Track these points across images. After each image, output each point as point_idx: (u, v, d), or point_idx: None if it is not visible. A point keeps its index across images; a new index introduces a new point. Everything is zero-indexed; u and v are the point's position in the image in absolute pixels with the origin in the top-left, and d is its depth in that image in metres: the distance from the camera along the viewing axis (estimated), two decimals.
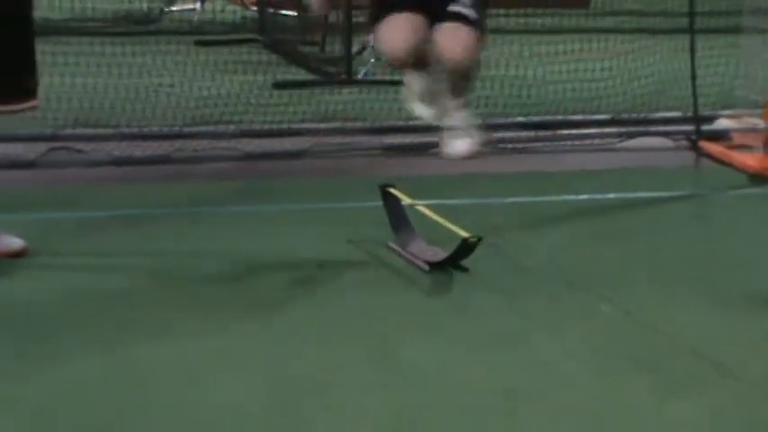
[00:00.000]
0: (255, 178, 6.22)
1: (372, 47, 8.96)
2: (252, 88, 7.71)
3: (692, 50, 6.93)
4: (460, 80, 4.68)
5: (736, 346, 4.07)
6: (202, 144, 6.61)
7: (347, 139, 6.81)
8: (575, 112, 7.24)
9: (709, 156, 6.74)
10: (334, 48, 9.16)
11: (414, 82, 4.73)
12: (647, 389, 3.71)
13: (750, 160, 6.45)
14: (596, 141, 6.85)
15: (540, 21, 8.87)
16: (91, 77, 7.34)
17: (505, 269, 4.81)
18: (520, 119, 7.07)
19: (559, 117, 7.18)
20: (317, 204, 5.67)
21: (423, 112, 4.72)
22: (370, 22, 4.75)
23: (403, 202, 5.02)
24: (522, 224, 4.92)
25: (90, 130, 6.65)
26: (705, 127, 7.05)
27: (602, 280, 4.72)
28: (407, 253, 4.88)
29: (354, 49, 8.75)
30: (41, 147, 6.35)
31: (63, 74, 7.06)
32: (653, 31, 9.12)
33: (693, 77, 6.93)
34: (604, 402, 3.64)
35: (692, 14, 7.07)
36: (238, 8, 10.92)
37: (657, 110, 7.40)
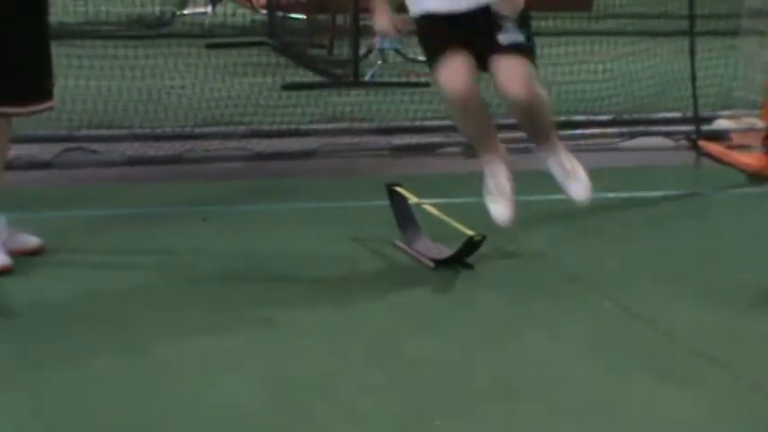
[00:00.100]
0: (265, 178, 6.23)
1: (379, 50, 8.99)
2: (261, 90, 7.71)
3: (692, 52, 6.93)
4: (534, 116, 4.69)
5: (737, 345, 4.05)
6: (213, 144, 6.62)
7: (355, 140, 6.82)
8: (577, 113, 7.24)
9: (709, 155, 6.74)
10: (342, 50, 9.17)
11: (489, 173, 4.77)
12: (647, 387, 3.70)
13: (749, 160, 6.44)
14: (598, 141, 6.86)
15: (542, 23, 8.85)
16: (105, 80, 7.35)
17: (509, 267, 4.81)
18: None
19: (562, 117, 7.16)
20: (325, 203, 5.68)
21: (498, 213, 4.73)
22: (427, 65, 4.78)
23: (409, 201, 5.02)
24: (525, 222, 4.92)
25: (104, 131, 6.68)
26: (705, 127, 7.05)
27: (604, 278, 4.72)
28: (413, 251, 4.88)
29: (361, 51, 8.76)
30: (57, 147, 6.37)
31: (78, 76, 7.08)
32: (654, 34, 9.11)
33: (693, 79, 6.93)
34: (605, 400, 3.64)
35: (691, 17, 7.07)
36: (248, 12, 10.93)
37: (658, 110, 7.40)
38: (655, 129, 7.18)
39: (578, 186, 4.76)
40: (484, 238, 4.67)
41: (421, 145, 6.80)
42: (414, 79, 8.33)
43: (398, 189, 5.05)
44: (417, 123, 7.13)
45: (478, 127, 4.76)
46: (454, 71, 4.62)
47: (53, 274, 4.63)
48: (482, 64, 4.63)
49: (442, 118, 7.01)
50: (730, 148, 6.77)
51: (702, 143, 6.86)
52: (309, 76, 8.73)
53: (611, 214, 5.55)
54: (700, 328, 4.19)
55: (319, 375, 3.76)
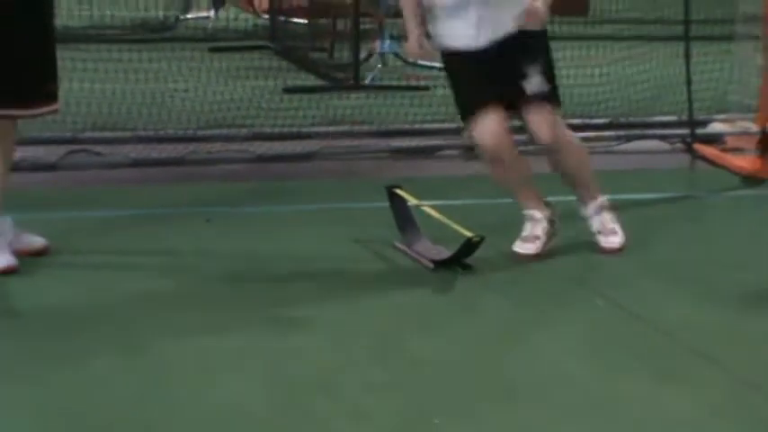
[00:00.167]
0: (266, 180, 6.23)
1: (379, 54, 8.99)
2: (263, 93, 7.71)
3: (688, 57, 6.92)
4: (566, 162, 4.88)
5: (736, 345, 4.03)
6: (216, 146, 6.62)
7: (355, 142, 6.82)
8: (574, 116, 7.21)
9: (704, 158, 6.73)
10: (343, 54, 9.17)
11: (527, 221, 4.88)
12: (647, 387, 3.67)
13: (743, 163, 6.44)
14: (595, 144, 6.84)
15: None
16: (109, 83, 7.36)
17: (507, 267, 4.80)
18: (521, 123, 7.06)
19: None
20: (326, 205, 5.67)
21: (521, 249, 4.87)
22: (462, 119, 4.91)
23: (409, 203, 5.02)
24: (522, 224, 4.91)
25: (108, 134, 6.67)
26: (700, 130, 7.04)
27: (601, 279, 4.72)
28: (413, 252, 4.88)
29: (362, 55, 8.75)
30: (62, 149, 6.37)
31: (82, 79, 7.08)
32: (649, 39, 9.12)
33: (688, 83, 6.92)
34: (605, 400, 3.61)
35: (687, 22, 7.06)
36: (251, 16, 10.93)
37: (654, 114, 7.40)
38: (650, 132, 7.18)
39: (613, 239, 4.95)
40: (482, 239, 4.66)
41: (420, 148, 6.80)
42: (413, 83, 8.33)
43: (398, 191, 5.04)
44: (417, 126, 7.12)
45: (517, 179, 4.87)
46: (488, 127, 4.76)
47: (58, 275, 4.62)
48: (511, 105, 4.82)
49: (442, 121, 7.02)
50: (725, 151, 6.76)
51: (697, 146, 6.86)
52: (310, 80, 8.74)
53: None
54: (699, 328, 4.17)
55: (321, 374, 3.75)
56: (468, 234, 4.67)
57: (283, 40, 10.04)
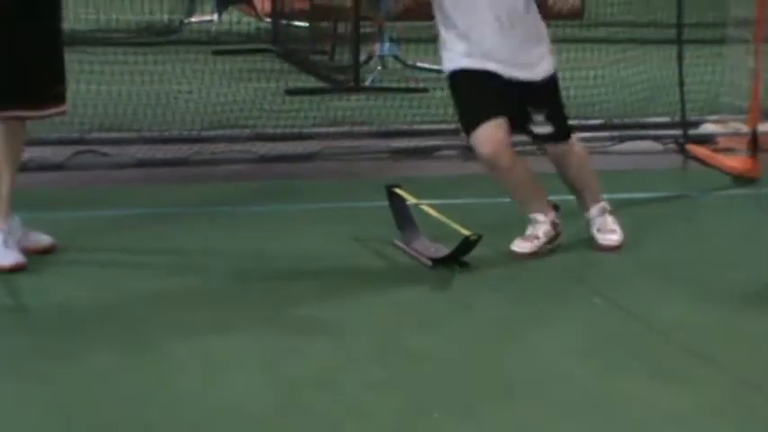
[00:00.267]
0: (269, 179, 6.22)
1: (379, 57, 8.98)
2: (265, 95, 7.70)
3: (680, 59, 6.91)
4: (570, 169, 4.91)
5: (732, 344, 4.01)
6: (219, 147, 6.61)
7: (355, 143, 6.81)
8: (569, 117, 7.22)
9: (696, 159, 6.72)
10: (343, 57, 9.16)
11: (531, 224, 4.87)
12: (644, 386, 3.65)
13: (734, 163, 6.43)
14: (590, 145, 6.81)
15: None
16: (115, 85, 7.35)
17: (504, 265, 4.79)
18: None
19: None
20: (327, 204, 5.67)
21: (518, 247, 4.86)
22: (464, 130, 4.88)
23: (408, 202, 5.01)
24: (519, 223, 4.91)
25: (114, 134, 6.67)
26: (692, 131, 7.04)
27: (597, 277, 4.71)
28: (412, 250, 4.87)
29: (362, 58, 8.75)
30: (69, 150, 6.36)
31: (89, 81, 7.07)
32: (643, 42, 9.10)
33: (681, 85, 6.92)
34: (602, 399, 3.59)
35: (679, 26, 7.05)
36: (253, 20, 10.93)
37: (647, 115, 7.39)
38: (644, 133, 7.17)
39: (611, 237, 4.93)
40: (480, 237, 4.66)
41: (419, 148, 6.79)
42: (412, 85, 8.32)
43: (398, 190, 5.03)
44: (416, 127, 7.11)
45: (519, 183, 4.85)
46: (488, 133, 4.72)
47: (64, 272, 4.61)
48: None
49: (440, 122, 7.01)
50: (716, 151, 6.75)
51: (690, 147, 6.85)
52: (312, 82, 8.72)
53: None
54: (695, 327, 4.15)
55: (322, 371, 3.74)
56: (466, 232, 4.66)
57: (285, 43, 10.03)
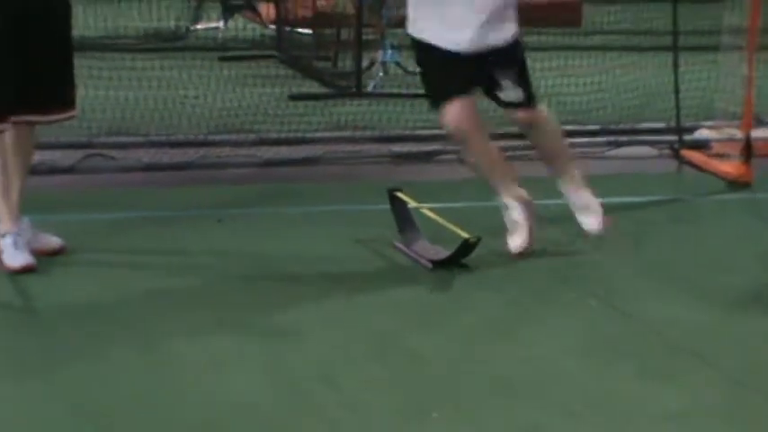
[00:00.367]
0: (273, 183, 6.22)
1: (381, 63, 8.98)
2: (270, 100, 7.71)
3: (676, 66, 6.92)
4: (541, 136, 4.88)
5: (725, 344, 4.02)
6: (225, 151, 6.61)
7: (357, 148, 6.81)
8: (567, 123, 7.18)
9: (691, 164, 6.73)
10: (346, 63, 9.16)
11: (507, 211, 4.84)
12: (639, 385, 3.66)
13: (728, 168, 6.43)
14: (587, 150, 6.84)
15: (535, 38, 8.86)
16: (123, 90, 7.35)
17: (503, 267, 4.80)
18: (516, 129, 7.06)
19: None
20: (330, 207, 5.67)
21: (513, 245, 4.84)
22: (432, 106, 4.90)
23: (409, 205, 5.02)
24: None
25: (122, 138, 6.67)
26: (687, 137, 7.03)
27: (593, 278, 4.71)
28: (412, 252, 4.88)
29: (364, 64, 8.75)
30: (78, 153, 6.36)
31: (98, 86, 7.07)
32: (639, 49, 9.12)
33: (676, 91, 6.92)
34: (599, 398, 3.60)
35: (675, 33, 7.06)
36: (258, 27, 10.93)
37: (643, 121, 7.39)
38: (640, 138, 7.17)
39: (592, 219, 4.87)
40: (479, 240, 4.66)
41: (420, 153, 6.79)
42: (413, 91, 8.32)
43: (399, 194, 5.04)
44: (417, 132, 7.11)
45: (489, 160, 4.84)
46: (456, 109, 4.73)
47: (73, 273, 4.62)
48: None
49: (441, 127, 7.00)
50: (711, 156, 6.75)
51: (685, 152, 6.85)
52: (315, 87, 8.72)
53: None
54: (689, 328, 4.16)
55: (322, 370, 3.75)
56: (466, 235, 4.67)
57: (289, 50, 10.02)
